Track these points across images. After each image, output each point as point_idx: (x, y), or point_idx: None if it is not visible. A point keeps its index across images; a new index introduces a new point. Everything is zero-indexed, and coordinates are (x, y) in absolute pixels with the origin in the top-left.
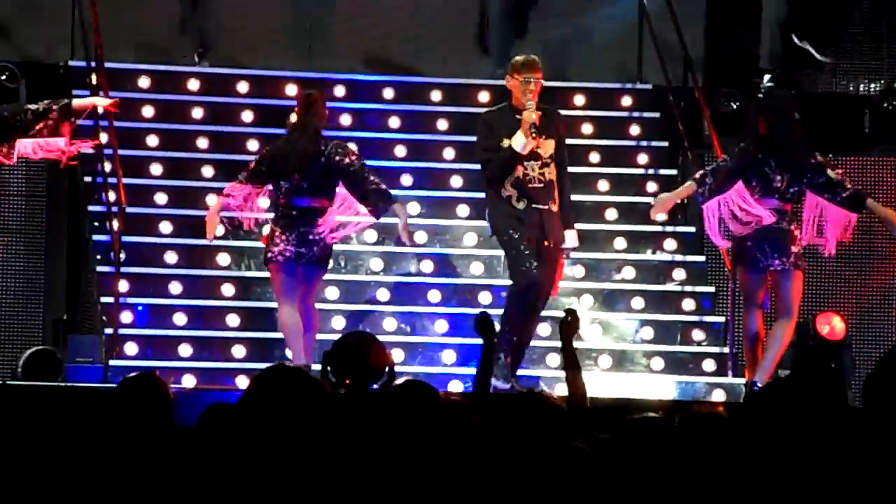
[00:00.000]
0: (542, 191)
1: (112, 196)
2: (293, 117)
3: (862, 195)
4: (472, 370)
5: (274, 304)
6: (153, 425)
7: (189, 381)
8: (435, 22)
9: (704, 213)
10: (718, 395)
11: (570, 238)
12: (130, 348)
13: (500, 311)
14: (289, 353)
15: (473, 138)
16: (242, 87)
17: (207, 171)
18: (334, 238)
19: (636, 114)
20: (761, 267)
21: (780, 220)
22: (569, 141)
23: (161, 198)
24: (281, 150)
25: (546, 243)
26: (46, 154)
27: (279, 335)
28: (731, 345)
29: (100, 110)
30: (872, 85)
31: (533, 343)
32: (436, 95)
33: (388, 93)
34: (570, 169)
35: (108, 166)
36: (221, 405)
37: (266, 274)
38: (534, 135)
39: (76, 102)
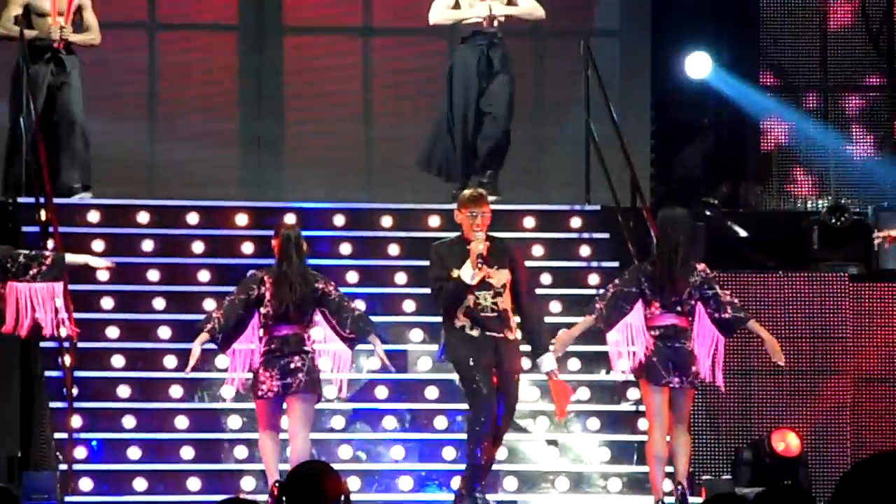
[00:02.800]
0: (496, 319)
1: (63, 332)
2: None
3: (736, 323)
4: (430, 496)
5: (227, 436)
6: None
7: None
8: (384, 148)
9: (608, 343)
10: None
11: (548, 361)
12: (85, 484)
13: (457, 436)
14: (243, 485)
15: (425, 262)
16: (192, 218)
17: (159, 303)
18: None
19: (586, 235)
20: (663, 383)
21: (681, 338)
22: None
23: (112, 331)
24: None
25: (501, 370)
26: (32, 317)
27: (235, 467)
28: None
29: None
30: (820, 202)
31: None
32: (386, 221)
33: (339, 219)
34: None
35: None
36: None
37: (218, 405)
38: (480, 265)
39: (69, 258)
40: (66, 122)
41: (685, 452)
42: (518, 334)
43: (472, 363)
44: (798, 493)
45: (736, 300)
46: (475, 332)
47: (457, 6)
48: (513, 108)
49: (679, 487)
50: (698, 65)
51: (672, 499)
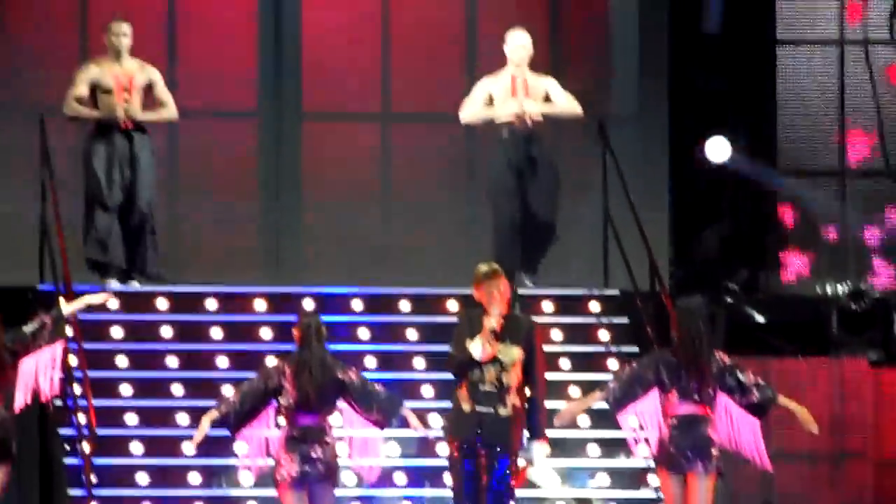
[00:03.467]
0: (493, 395)
1: (82, 419)
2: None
3: (767, 403)
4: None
5: None
6: None
7: None
8: (401, 234)
9: (623, 427)
10: None
11: (537, 450)
12: None
13: None
14: None
15: (444, 347)
16: (211, 304)
17: (177, 389)
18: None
19: (605, 319)
20: (687, 469)
21: (700, 425)
22: None
23: (131, 418)
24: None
25: (486, 448)
26: (35, 384)
27: None
28: None
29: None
30: (839, 287)
31: None
32: (405, 305)
33: (357, 304)
34: None
35: (77, 389)
36: None
37: (237, 492)
38: (491, 342)
39: (67, 310)
40: (131, 208)
41: None
42: (511, 410)
43: (455, 444)
44: None
45: (760, 380)
46: (466, 407)
47: (491, 102)
48: None
49: None
50: (717, 149)
51: None
